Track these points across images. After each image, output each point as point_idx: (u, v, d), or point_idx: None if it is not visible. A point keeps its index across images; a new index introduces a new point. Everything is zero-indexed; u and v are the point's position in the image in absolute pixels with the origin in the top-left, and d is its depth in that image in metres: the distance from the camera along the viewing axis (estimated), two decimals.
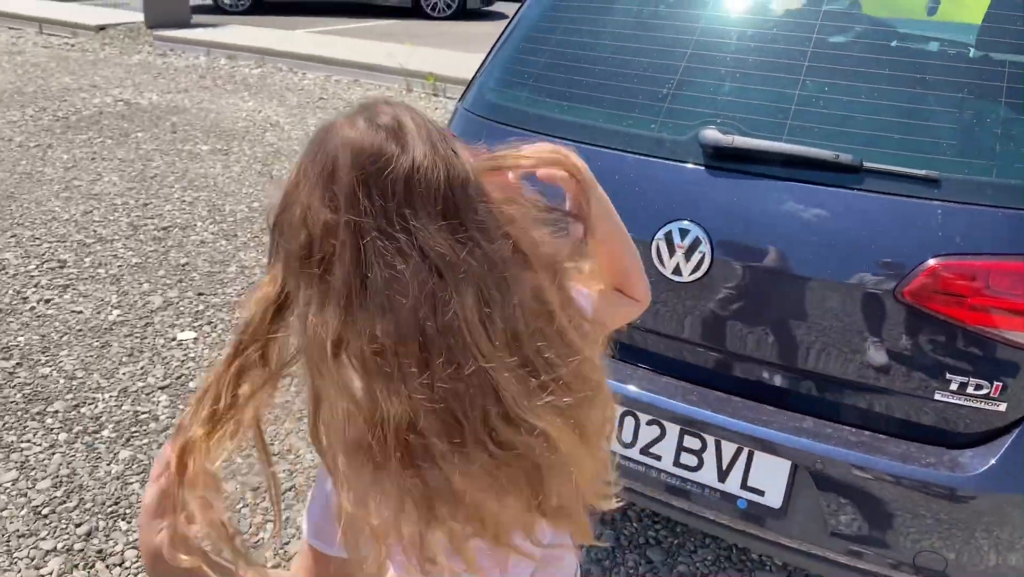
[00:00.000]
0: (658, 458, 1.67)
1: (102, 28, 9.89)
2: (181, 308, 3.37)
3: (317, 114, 6.65)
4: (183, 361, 2.99)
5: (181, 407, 2.73)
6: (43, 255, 3.81)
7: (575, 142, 1.72)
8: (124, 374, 2.90)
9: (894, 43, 1.69)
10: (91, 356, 3.00)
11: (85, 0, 12.63)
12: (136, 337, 3.14)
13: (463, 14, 12.36)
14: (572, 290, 0.84)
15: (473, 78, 2.04)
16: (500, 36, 2.04)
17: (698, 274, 1.55)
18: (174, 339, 3.14)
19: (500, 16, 12.93)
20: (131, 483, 2.38)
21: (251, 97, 7.11)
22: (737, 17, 1.67)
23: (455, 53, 9.08)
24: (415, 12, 12.31)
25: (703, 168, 1.56)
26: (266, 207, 0.76)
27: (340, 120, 0.76)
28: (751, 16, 1.67)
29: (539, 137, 1.78)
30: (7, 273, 3.61)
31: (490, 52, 2.03)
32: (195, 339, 3.14)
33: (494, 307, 0.72)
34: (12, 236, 4.00)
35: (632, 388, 1.65)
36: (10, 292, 3.44)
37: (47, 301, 3.38)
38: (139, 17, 10.25)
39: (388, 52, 8.33)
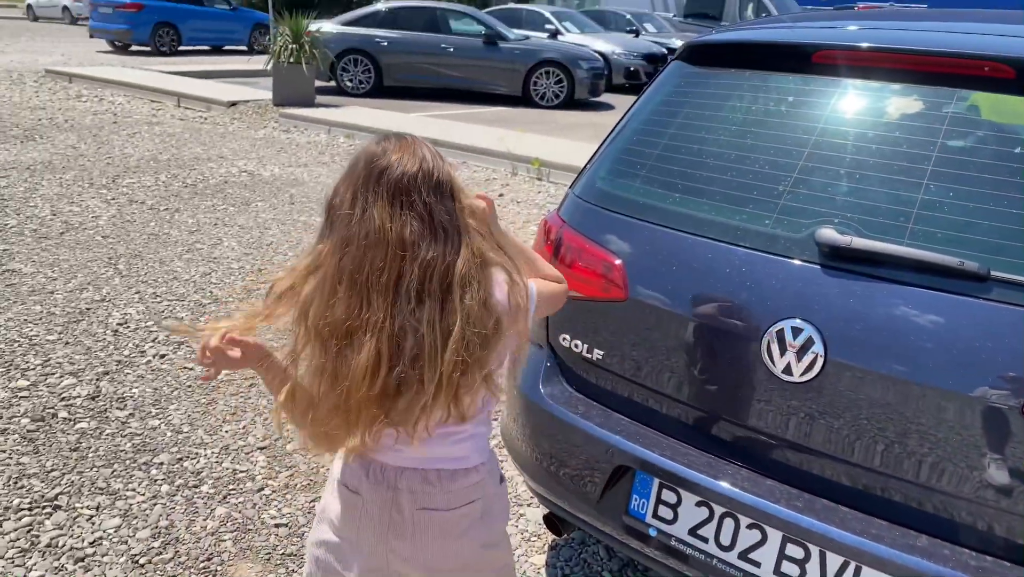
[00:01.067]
0: (757, 565, 1.59)
1: (233, 104, 10.63)
2: None
3: None
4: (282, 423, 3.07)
5: (277, 469, 2.79)
6: (162, 312, 4.04)
7: (685, 233, 1.72)
8: (227, 432, 3.00)
9: (1018, 149, 1.64)
10: (197, 412, 3.12)
11: (220, 78, 13.64)
12: (240, 396, 3.25)
13: (570, 103, 12.70)
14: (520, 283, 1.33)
15: (585, 166, 2.09)
16: (615, 126, 2.09)
17: (810, 375, 1.51)
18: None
19: (606, 106, 13.22)
20: (224, 540, 2.43)
21: None
22: (856, 117, 1.66)
23: (560, 140, 9.31)
24: (524, 100, 12.73)
25: (818, 267, 1.53)
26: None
27: (369, 142, 1.31)
28: (870, 117, 1.66)
29: (647, 226, 1.80)
30: (128, 327, 3.83)
31: (604, 141, 2.08)
32: None
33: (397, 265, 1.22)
34: (136, 292, 4.26)
35: (735, 489, 1.59)
36: (130, 345, 3.64)
37: (162, 356, 3.55)
38: (268, 96, 10.98)
39: (499, 137, 8.61)
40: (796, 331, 1.52)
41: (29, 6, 32.59)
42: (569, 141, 9.29)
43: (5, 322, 3.79)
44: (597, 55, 13.91)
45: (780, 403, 1.57)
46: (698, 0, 23.09)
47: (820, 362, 1.50)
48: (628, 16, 19.79)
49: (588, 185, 2.00)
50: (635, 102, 2.08)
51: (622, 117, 2.10)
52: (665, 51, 16.87)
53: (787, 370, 1.53)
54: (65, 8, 30.60)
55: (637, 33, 18.45)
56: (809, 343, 1.51)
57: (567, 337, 1.92)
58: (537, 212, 6.45)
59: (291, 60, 10.49)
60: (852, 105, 1.68)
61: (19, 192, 6.08)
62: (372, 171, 1.24)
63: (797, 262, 1.56)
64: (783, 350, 1.53)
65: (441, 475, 1.38)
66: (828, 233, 1.52)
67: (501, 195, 6.97)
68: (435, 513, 1.38)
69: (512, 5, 21.78)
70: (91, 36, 18.87)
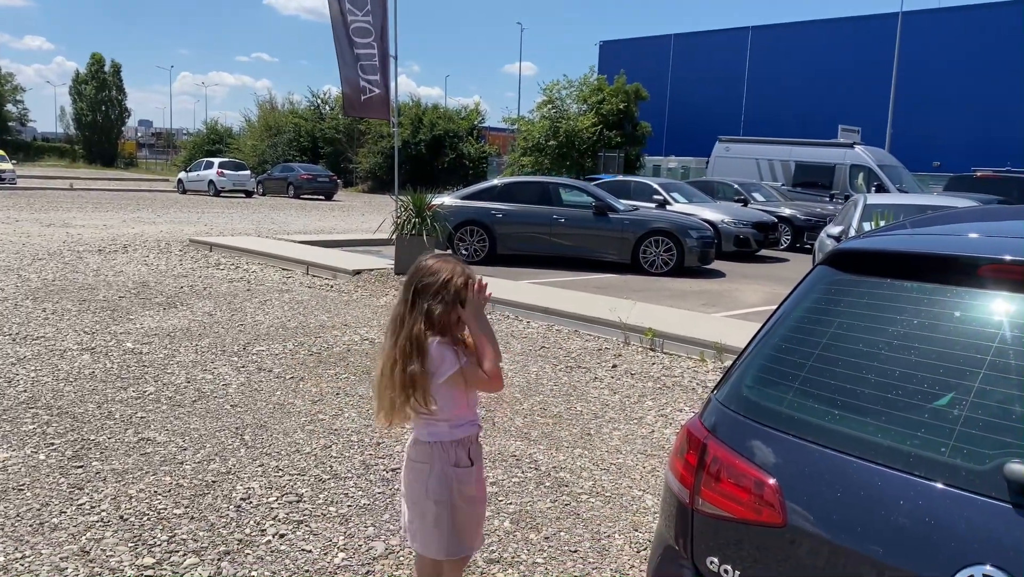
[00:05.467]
0: None
1: (357, 272, 11.19)
2: (401, 558, 3.40)
3: (538, 362, 6.90)
4: None
5: None
6: (284, 487, 4.07)
7: (849, 456, 1.60)
8: None
9: None
10: None
11: (346, 247, 14.48)
12: None
13: (680, 271, 12.74)
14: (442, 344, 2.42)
15: (729, 371, 2.02)
16: (758, 331, 2.03)
17: None
18: None
19: (717, 274, 13.18)
20: None
21: None
22: None
23: (672, 309, 9.26)
24: (634, 268, 12.87)
25: (1009, 506, 1.38)
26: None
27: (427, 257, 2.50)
28: None
29: (804, 444, 1.69)
30: (251, 503, 3.86)
31: (747, 346, 2.01)
32: None
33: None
34: (260, 465, 4.33)
35: None
36: (251, 523, 3.65)
37: (281, 536, 3.54)
38: (390, 264, 11.52)
39: (610, 307, 8.64)
40: None
41: (179, 180, 36.16)
42: (682, 310, 9.23)
43: (137, 493, 3.90)
44: (706, 224, 14.06)
45: None
46: (808, 170, 23.34)
47: None
48: (736, 186, 20.09)
49: (734, 393, 1.92)
50: (779, 306, 2.03)
51: (766, 321, 2.04)
52: (775, 220, 16.91)
53: None
54: (211, 182, 33.76)
55: (746, 202, 18.63)
56: None
57: (715, 561, 1.79)
58: (652, 385, 6.32)
59: (413, 232, 11.06)
60: None
61: (159, 359, 6.46)
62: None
63: (983, 499, 1.41)
64: None
65: (416, 441, 2.54)
66: (1019, 469, 1.37)
67: (615, 366, 6.90)
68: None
69: (620, 177, 22.56)
70: None
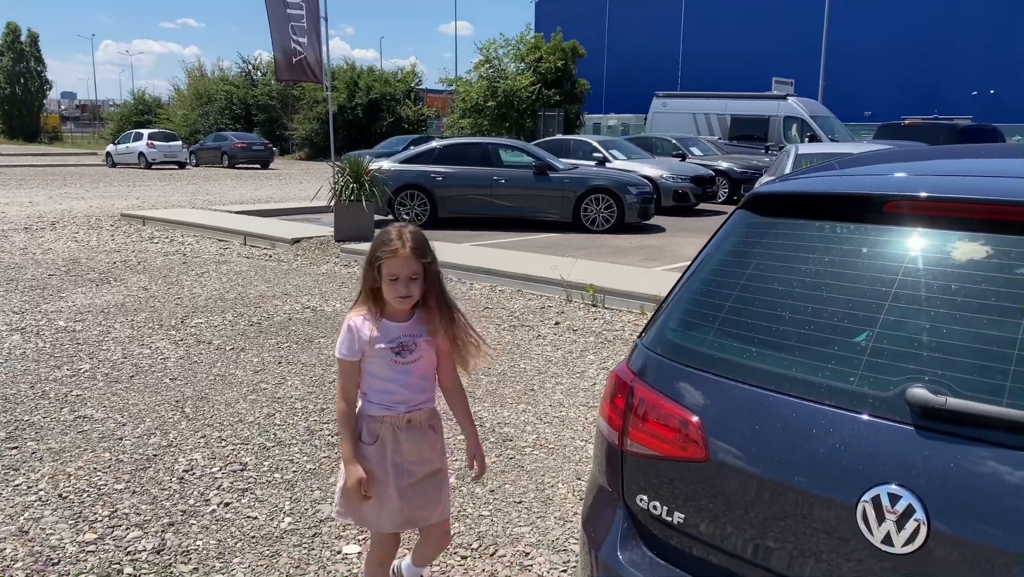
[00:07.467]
0: None
1: (296, 241, 11.03)
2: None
3: (482, 322, 6.93)
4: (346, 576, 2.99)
5: None
6: (227, 457, 4.05)
7: (765, 390, 1.67)
8: None
9: None
10: (261, 566, 3.06)
11: (284, 215, 14.23)
12: (304, 548, 3.19)
13: (621, 227, 12.87)
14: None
15: (654, 315, 2.07)
16: (681, 276, 2.08)
17: (912, 546, 1.40)
18: (339, 552, 3.17)
19: (657, 229, 13.36)
20: None
21: None
22: (937, 268, 1.61)
23: (613, 265, 9.38)
24: (575, 226, 12.95)
25: (911, 428, 1.46)
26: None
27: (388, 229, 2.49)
28: (952, 268, 1.61)
29: (724, 382, 1.75)
30: (194, 474, 3.84)
31: (671, 291, 2.06)
32: (359, 553, 3.16)
33: None
34: (202, 437, 4.29)
35: None
36: (195, 493, 3.63)
37: (227, 505, 3.53)
38: (329, 231, 11.38)
39: (552, 266, 8.71)
40: (894, 498, 1.43)
41: (108, 154, 34.92)
42: (622, 266, 9.35)
43: (76, 471, 3.84)
44: (645, 180, 14.19)
45: (880, 575, 1.46)
46: (743, 123, 23.64)
47: (923, 531, 1.40)
48: (674, 141, 20.29)
49: (658, 336, 1.98)
50: (700, 251, 2.08)
51: (688, 267, 2.09)
52: (712, 173, 17.15)
53: (887, 540, 1.43)
54: (141, 154, 32.68)
55: (683, 157, 18.85)
56: (909, 511, 1.41)
57: (644, 498, 1.85)
58: (594, 340, 6.42)
59: (352, 198, 10.92)
60: (930, 255, 1.64)
61: (93, 335, 6.31)
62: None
63: (888, 423, 1.49)
64: (881, 519, 1.44)
65: None
66: (920, 393, 1.45)
67: (557, 323, 6.98)
68: None
69: (559, 136, 22.53)
70: None
